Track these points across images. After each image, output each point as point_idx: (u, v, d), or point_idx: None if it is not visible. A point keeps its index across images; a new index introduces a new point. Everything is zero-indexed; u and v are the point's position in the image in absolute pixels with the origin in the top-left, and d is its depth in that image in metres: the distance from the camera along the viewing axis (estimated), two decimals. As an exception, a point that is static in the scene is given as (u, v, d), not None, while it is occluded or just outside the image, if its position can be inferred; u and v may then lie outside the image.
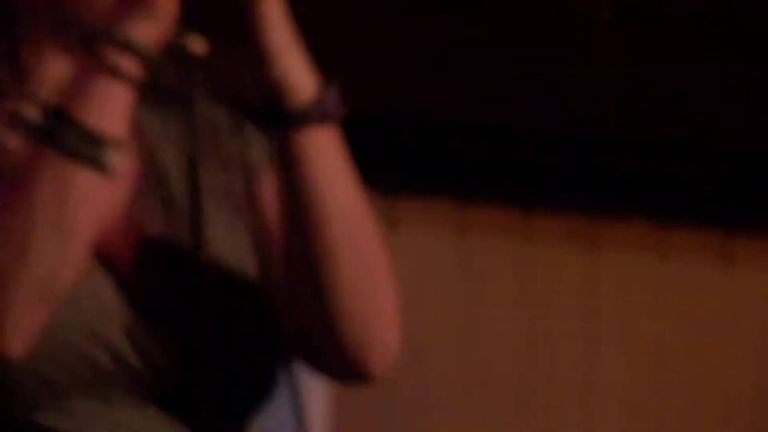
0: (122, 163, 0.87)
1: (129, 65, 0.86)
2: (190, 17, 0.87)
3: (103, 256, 0.94)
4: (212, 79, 0.93)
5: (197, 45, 0.89)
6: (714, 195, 2.61)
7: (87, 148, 0.85)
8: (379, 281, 0.97)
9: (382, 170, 2.37)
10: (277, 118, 0.90)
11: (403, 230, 2.57)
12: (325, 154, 0.92)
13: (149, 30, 0.86)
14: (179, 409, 0.95)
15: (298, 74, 0.90)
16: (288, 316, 0.97)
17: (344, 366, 0.99)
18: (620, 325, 2.70)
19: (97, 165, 0.85)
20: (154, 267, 0.97)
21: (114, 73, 0.85)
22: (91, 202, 0.87)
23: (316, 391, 1.40)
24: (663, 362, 2.67)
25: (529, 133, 2.52)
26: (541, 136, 2.55)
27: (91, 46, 0.88)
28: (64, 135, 0.85)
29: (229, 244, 0.98)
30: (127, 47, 0.85)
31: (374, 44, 2.42)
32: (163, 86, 0.92)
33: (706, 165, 2.60)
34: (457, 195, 2.64)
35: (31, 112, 0.91)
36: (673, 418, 2.59)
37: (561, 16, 2.35)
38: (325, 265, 0.93)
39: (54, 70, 0.94)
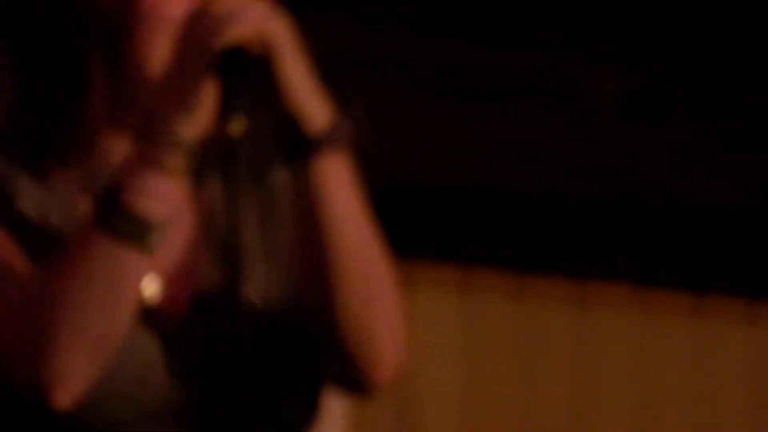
0: (164, 242, 0.97)
1: (175, 157, 0.96)
2: (228, 101, 0.97)
3: (155, 313, 1.02)
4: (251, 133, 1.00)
5: (236, 126, 0.97)
6: (687, 260, 2.92)
7: (132, 231, 0.95)
8: (384, 297, 1.03)
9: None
10: (294, 146, 0.98)
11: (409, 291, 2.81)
12: (336, 179, 0.99)
13: (193, 124, 0.96)
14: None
15: (312, 105, 0.97)
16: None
17: (352, 375, 1.04)
18: (608, 376, 2.99)
19: (140, 246, 0.96)
20: (203, 321, 1.03)
21: (160, 164, 0.96)
22: (136, 274, 0.98)
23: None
24: (648, 409, 2.98)
25: (527, 202, 2.77)
26: (539, 205, 2.81)
27: (143, 136, 0.98)
28: (114, 218, 0.96)
29: (272, 293, 1.05)
30: (174, 142, 0.96)
31: (391, 120, 2.65)
32: (209, 160, 1.02)
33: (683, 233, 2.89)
34: (461, 259, 2.86)
35: (92, 187, 1.02)
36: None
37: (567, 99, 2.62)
38: (333, 280, 1.00)
39: (112, 150, 1.04)
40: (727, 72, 2.85)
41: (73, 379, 0.97)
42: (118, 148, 1.03)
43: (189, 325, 1.02)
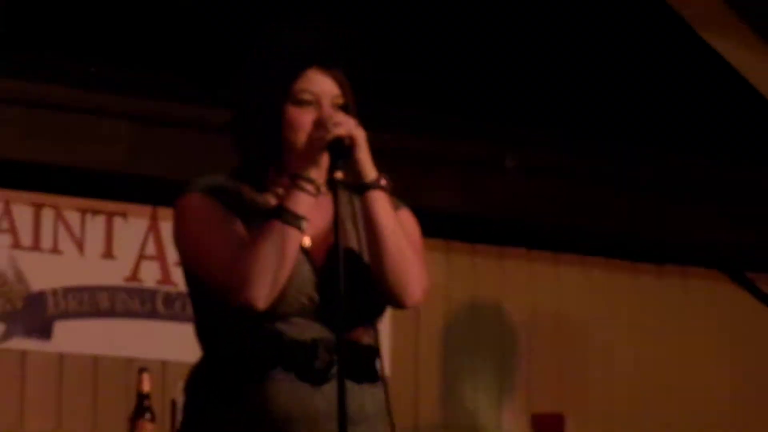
0: (307, 225, 2.19)
1: (308, 186, 2.18)
2: (334, 164, 2.16)
3: (308, 253, 2.23)
4: (346, 180, 2.28)
5: (337, 174, 2.19)
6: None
7: (289, 219, 2.15)
8: (409, 261, 2.23)
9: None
10: (360, 187, 2.26)
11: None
12: (381, 202, 2.24)
13: (318, 173, 2.17)
14: (331, 324, 2.19)
15: (369, 169, 2.22)
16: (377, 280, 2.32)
17: (398, 300, 2.24)
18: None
19: (296, 226, 2.16)
20: (331, 260, 2.20)
21: (302, 189, 2.17)
22: (294, 239, 2.16)
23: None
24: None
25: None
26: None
27: (296, 176, 2.20)
28: (283, 214, 2.15)
29: (358, 256, 2.31)
30: (307, 180, 2.18)
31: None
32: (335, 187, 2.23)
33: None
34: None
35: (270, 202, 2.26)
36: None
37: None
38: (389, 252, 2.21)
39: (283, 183, 2.24)
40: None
41: (265, 289, 2.15)
42: (285, 182, 2.27)
43: (325, 261, 2.21)
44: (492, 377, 5.14)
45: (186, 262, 2.53)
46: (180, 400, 3.36)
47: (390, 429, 2.51)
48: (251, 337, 2.42)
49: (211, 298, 2.45)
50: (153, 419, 4.32)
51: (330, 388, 2.34)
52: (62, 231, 4.70)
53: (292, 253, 2.30)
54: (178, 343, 4.35)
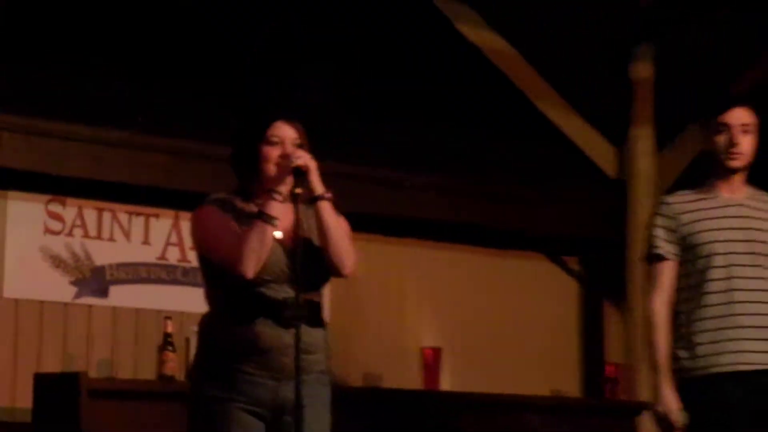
0: (278, 223, 3.15)
1: (278, 197, 3.17)
2: (295, 182, 3.16)
3: (281, 241, 3.17)
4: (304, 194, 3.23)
5: (299, 190, 3.17)
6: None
7: (268, 220, 3.12)
8: (346, 249, 3.23)
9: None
10: (313, 199, 3.22)
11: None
12: (327, 209, 3.21)
13: (285, 189, 3.15)
14: (295, 288, 3.14)
15: (319, 186, 3.21)
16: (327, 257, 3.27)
17: (338, 272, 3.24)
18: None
19: (271, 224, 3.14)
20: (295, 246, 3.13)
21: (274, 199, 3.16)
22: (270, 232, 3.13)
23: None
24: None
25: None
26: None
27: (269, 191, 3.17)
28: (262, 216, 3.12)
29: (312, 243, 3.28)
30: (278, 193, 3.17)
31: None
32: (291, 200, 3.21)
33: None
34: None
35: (257, 205, 3.19)
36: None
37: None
38: (332, 241, 3.20)
39: (261, 196, 3.19)
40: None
41: (252, 265, 3.06)
42: (263, 196, 3.15)
43: (291, 247, 3.12)
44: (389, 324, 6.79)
45: (199, 248, 3.46)
46: (193, 338, 4.28)
47: (328, 356, 3.48)
48: (243, 297, 3.27)
49: (216, 271, 3.33)
50: (174, 351, 5.47)
51: (294, 330, 3.20)
52: (116, 226, 6.00)
53: (268, 241, 3.22)
54: (192, 301, 5.47)
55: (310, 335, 3.29)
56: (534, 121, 6.80)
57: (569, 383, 7.28)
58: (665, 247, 4.06)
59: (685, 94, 6.43)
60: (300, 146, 3.34)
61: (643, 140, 6.86)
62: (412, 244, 6.90)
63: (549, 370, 7.20)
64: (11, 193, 5.65)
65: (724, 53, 6.53)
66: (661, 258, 4.06)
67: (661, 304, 4.03)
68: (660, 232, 4.10)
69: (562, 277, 7.51)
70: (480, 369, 6.91)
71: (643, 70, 6.75)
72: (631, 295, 6.79)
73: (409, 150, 6.71)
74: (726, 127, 3.99)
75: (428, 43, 6.50)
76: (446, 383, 6.80)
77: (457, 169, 6.84)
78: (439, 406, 6.02)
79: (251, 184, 3.38)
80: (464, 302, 7.04)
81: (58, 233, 5.80)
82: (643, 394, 6.30)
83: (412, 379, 6.70)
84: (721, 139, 4.00)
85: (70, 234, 5.84)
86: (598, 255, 7.50)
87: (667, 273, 4.07)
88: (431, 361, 6.50)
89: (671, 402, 3.95)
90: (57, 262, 5.80)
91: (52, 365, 5.66)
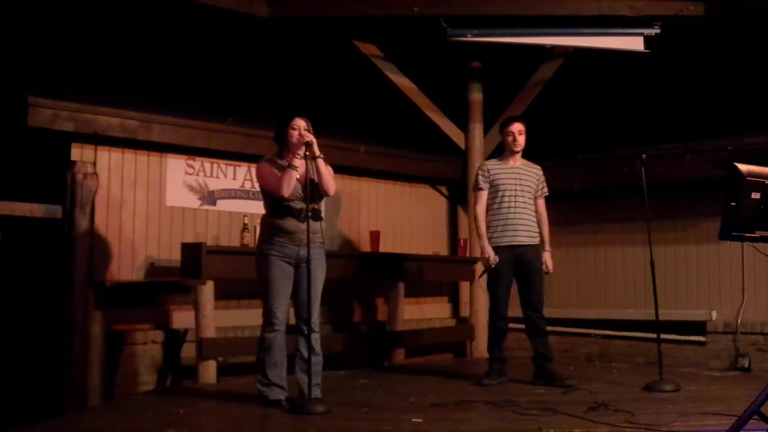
0: (298, 170, 6.03)
1: (299, 158, 6.06)
2: (306, 150, 6.05)
3: (299, 179, 6.03)
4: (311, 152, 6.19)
5: (308, 153, 5.96)
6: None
7: (293, 168, 5.92)
8: (331, 182, 6.01)
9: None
10: (314, 158, 6.04)
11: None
12: (322, 163, 6.01)
13: (301, 153, 5.95)
14: (307, 201, 6.12)
15: (317, 151, 5.96)
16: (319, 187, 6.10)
17: (326, 194, 6.04)
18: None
19: (294, 170, 5.99)
20: (306, 181, 5.98)
21: (297, 157, 6.05)
22: (294, 175, 5.99)
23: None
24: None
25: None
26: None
27: (292, 156, 6.00)
28: (290, 166, 5.95)
29: (314, 180, 6.19)
30: (298, 155, 6.01)
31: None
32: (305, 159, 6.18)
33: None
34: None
35: (285, 163, 6.00)
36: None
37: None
38: (323, 179, 5.99)
39: (289, 156, 6.08)
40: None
41: (285, 191, 5.93)
42: (289, 157, 5.99)
43: (305, 182, 6.04)
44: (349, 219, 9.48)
45: (259, 182, 5.70)
46: (258, 227, 6.47)
47: (323, 235, 5.71)
48: (281, 206, 5.63)
49: (268, 193, 5.64)
50: (248, 232, 7.93)
51: (306, 222, 5.52)
52: (220, 171, 8.37)
53: (293, 179, 5.40)
54: (257, 208, 7.78)
55: (314, 225, 5.52)
56: (423, 121, 10.02)
57: (442, 247, 10.80)
58: (482, 184, 7.07)
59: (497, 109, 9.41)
60: (308, 130, 5.44)
61: (477, 130, 10.20)
62: (365, 180, 9.97)
63: (431, 241, 10.60)
64: (169, 155, 8.09)
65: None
66: (481, 189, 7.04)
67: (480, 210, 7.06)
68: (480, 178, 7.07)
69: (437, 197, 10.85)
70: (399, 241, 10.21)
71: (476, 95, 10.22)
72: (452, 205, 10.16)
73: (363, 133, 9.83)
74: (511, 132, 7.19)
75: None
76: (383, 249, 9.70)
77: (395, 143, 10.10)
78: (379, 262, 8.94)
79: (283, 150, 5.60)
80: (391, 209, 10.14)
81: (191, 174, 8.19)
82: (476, 253, 9.48)
83: (365, 247, 9.63)
84: (510, 137, 7.21)
85: (197, 174, 8.22)
86: (455, 186, 10.62)
87: (483, 196, 7.04)
88: (374, 238, 9.59)
89: (489, 251, 6.95)
90: (190, 187, 8.15)
91: (189, 239, 8.02)
